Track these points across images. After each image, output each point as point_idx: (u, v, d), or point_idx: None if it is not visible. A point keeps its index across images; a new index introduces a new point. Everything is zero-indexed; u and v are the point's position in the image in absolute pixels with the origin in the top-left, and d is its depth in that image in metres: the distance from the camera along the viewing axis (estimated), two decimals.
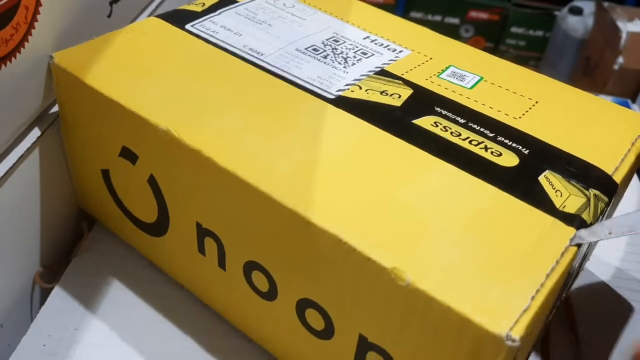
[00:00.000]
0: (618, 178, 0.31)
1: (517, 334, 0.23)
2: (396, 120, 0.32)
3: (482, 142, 0.31)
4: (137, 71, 0.35)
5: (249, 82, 0.35)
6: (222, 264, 0.33)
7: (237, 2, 0.43)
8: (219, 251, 0.33)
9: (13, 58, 0.33)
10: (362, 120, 0.32)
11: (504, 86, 0.36)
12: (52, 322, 0.37)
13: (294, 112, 0.33)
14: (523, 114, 0.34)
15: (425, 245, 0.26)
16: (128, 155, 0.34)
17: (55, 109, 0.39)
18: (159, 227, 0.36)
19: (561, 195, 0.29)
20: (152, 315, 0.37)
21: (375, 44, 0.39)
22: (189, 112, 0.32)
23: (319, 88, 0.34)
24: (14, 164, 0.35)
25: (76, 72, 0.35)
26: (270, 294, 0.31)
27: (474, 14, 1.45)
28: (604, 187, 0.30)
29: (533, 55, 1.49)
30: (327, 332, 0.30)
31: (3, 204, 0.35)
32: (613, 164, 0.31)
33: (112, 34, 0.38)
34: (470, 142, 0.31)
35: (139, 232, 0.38)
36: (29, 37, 0.34)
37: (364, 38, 0.39)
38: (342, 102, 0.33)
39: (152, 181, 0.34)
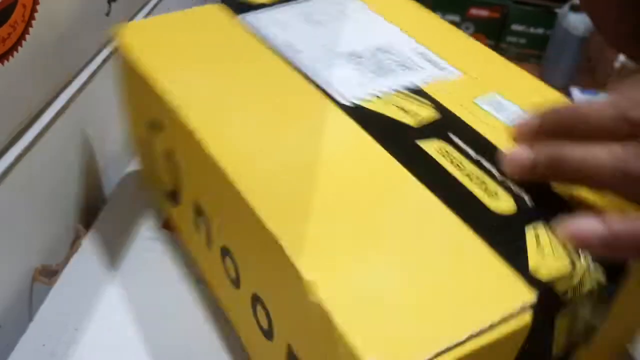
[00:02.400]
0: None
1: None
2: (400, 139, 0.31)
3: (484, 180, 0.29)
4: (175, 51, 0.37)
5: (272, 77, 0.35)
6: (208, 243, 0.34)
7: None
8: (206, 230, 0.34)
9: (10, 56, 0.33)
10: (364, 133, 0.31)
11: None
12: (51, 322, 0.37)
13: (300, 113, 0.33)
14: None
15: (360, 269, 0.24)
16: (154, 126, 0.37)
17: (54, 108, 0.39)
18: (175, 197, 0.38)
19: (542, 256, 0.25)
20: (152, 315, 0.37)
21: (424, 58, 0.37)
22: (202, 97, 0.33)
23: (338, 93, 0.34)
24: (12, 163, 0.35)
25: (126, 42, 0.38)
26: (236, 282, 0.32)
27: (474, 11, 1.45)
28: (603, 262, 0.25)
29: (534, 53, 1.49)
30: (269, 333, 0.29)
31: (2, 203, 0.35)
32: None
33: (174, 13, 0.41)
34: (469, 177, 0.29)
35: (165, 197, 0.40)
36: (27, 35, 0.34)
37: (416, 52, 0.38)
38: (354, 111, 0.32)
39: (169, 154, 0.36)
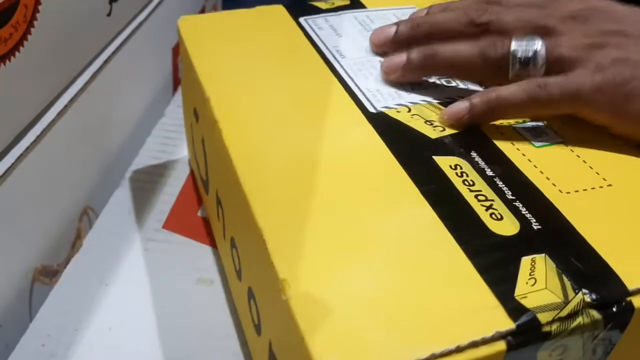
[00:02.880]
0: (639, 303, 0.24)
1: None
2: (415, 151, 0.31)
3: (492, 201, 0.28)
4: (226, 46, 0.39)
5: (308, 78, 0.36)
6: (223, 233, 0.36)
7: (367, 8, 0.44)
8: (223, 221, 0.35)
9: (12, 57, 0.33)
10: (381, 142, 0.31)
11: (584, 157, 0.31)
12: (51, 322, 0.37)
13: (323, 117, 0.33)
14: (576, 191, 0.29)
15: (339, 274, 0.24)
16: (195, 114, 0.39)
17: (56, 109, 0.39)
18: (207, 185, 0.40)
19: (533, 285, 0.24)
20: (152, 315, 0.37)
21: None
22: (235, 90, 0.35)
23: (367, 100, 0.34)
24: (13, 163, 0.35)
25: (183, 33, 0.40)
26: (239, 274, 0.33)
27: None
28: (606, 303, 0.24)
29: None
30: (259, 328, 0.30)
31: (2, 203, 0.35)
32: None
33: (237, 11, 0.43)
34: (477, 196, 0.28)
35: (202, 185, 0.42)
36: (29, 36, 0.34)
37: None
38: (378, 119, 0.33)
39: (203, 143, 0.38)
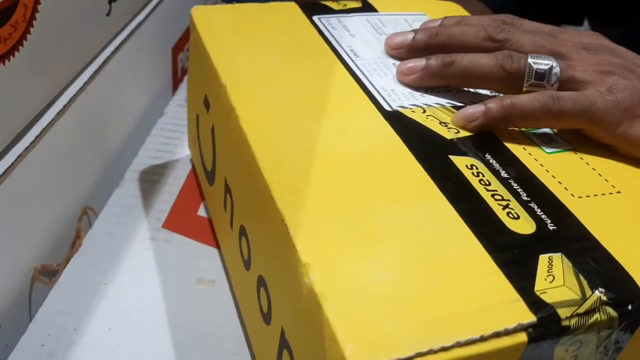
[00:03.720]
0: None
1: None
2: (432, 149, 0.31)
3: (508, 201, 0.28)
4: (240, 38, 0.39)
5: (323, 74, 0.36)
6: (231, 223, 0.35)
7: (378, 12, 0.44)
8: (231, 209, 0.35)
9: (11, 56, 0.33)
10: (398, 139, 0.31)
11: (593, 164, 0.32)
12: (50, 322, 0.37)
13: (340, 111, 0.33)
14: (588, 196, 0.29)
15: (361, 262, 0.25)
16: (206, 103, 0.39)
17: (55, 108, 0.39)
18: (212, 176, 0.40)
19: (551, 282, 0.24)
20: (151, 315, 0.37)
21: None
22: (251, 81, 0.35)
23: (383, 99, 0.34)
24: (12, 163, 0.35)
25: (197, 23, 0.40)
26: (247, 263, 0.33)
27: None
28: (622, 302, 0.24)
29: None
30: (269, 317, 0.30)
31: (2, 203, 0.35)
32: None
33: (250, 5, 0.43)
34: (493, 195, 0.28)
35: (204, 177, 0.42)
36: (28, 35, 0.34)
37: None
38: (393, 117, 0.33)
39: (212, 132, 0.38)
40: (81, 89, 0.43)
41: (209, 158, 0.40)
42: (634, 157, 0.33)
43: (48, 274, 0.41)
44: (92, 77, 0.44)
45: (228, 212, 0.36)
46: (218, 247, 0.42)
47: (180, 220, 0.44)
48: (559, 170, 0.31)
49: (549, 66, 0.33)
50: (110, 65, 0.47)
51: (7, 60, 0.33)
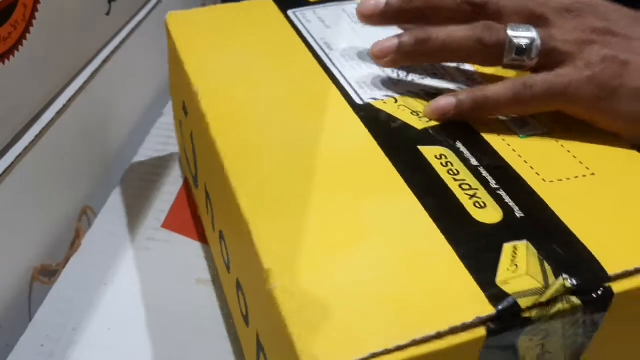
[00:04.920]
0: (618, 288, 0.24)
1: None
2: (401, 142, 0.31)
3: (475, 190, 0.28)
4: (214, 40, 0.39)
5: (296, 71, 0.36)
6: (212, 227, 0.36)
7: (355, 0, 0.44)
8: (212, 214, 0.36)
9: (11, 56, 0.33)
10: (368, 134, 0.31)
11: (568, 147, 0.31)
12: (50, 322, 0.37)
13: (311, 109, 0.33)
14: (560, 180, 0.29)
15: (322, 264, 0.25)
16: (184, 109, 0.39)
17: (55, 108, 0.39)
18: (196, 180, 0.40)
19: (514, 271, 0.24)
20: (151, 315, 0.37)
21: (457, 69, 0.37)
22: (223, 84, 0.35)
23: (355, 92, 0.34)
24: (12, 162, 0.35)
25: (171, 29, 0.40)
26: (228, 266, 0.33)
27: None
28: (585, 287, 0.24)
29: None
30: (247, 319, 0.30)
31: (1, 203, 0.35)
32: (624, 269, 0.24)
33: (225, 5, 0.43)
34: (461, 185, 0.28)
35: (191, 180, 0.43)
36: (27, 35, 0.34)
37: (455, 66, 0.38)
38: (365, 110, 0.33)
39: (192, 138, 0.38)
40: (81, 89, 0.43)
41: (192, 163, 0.40)
42: (614, 133, 0.32)
43: (48, 274, 0.41)
44: (91, 77, 0.44)
45: (210, 216, 0.37)
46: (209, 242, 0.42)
47: (179, 220, 0.44)
48: (532, 155, 0.30)
49: (530, 40, 0.31)
50: (110, 64, 0.47)
51: (6, 60, 0.33)
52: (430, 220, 0.27)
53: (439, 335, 0.22)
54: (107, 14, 0.44)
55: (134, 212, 0.44)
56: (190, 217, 0.44)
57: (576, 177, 0.29)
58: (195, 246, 0.42)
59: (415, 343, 0.22)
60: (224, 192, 0.30)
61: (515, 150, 0.31)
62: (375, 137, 0.31)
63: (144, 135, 0.52)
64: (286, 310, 0.23)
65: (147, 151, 0.51)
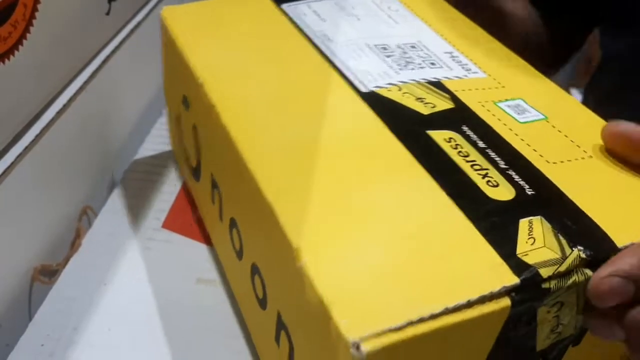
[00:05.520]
0: None
1: (368, 345, 0.21)
2: (410, 126, 0.32)
3: (487, 170, 0.29)
4: (212, 33, 0.39)
5: (298, 61, 0.37)
6: (220, 216, 0.36)
7: None
8: (219, 202, 0.36)
9: (11, 55, 0.33)
10: (375, 116, 0.32)
11: (565, 132, 0.32)
12: (50, 322, 0.37)
13: (318, 97, 0.34)
14: (562, 162, 0.30)
15: (348, 241, 0.25)
16: (185, 102, 0.39)
17: (55, 108, 0.39)
18: (198, 172, 0.40)
19: (532, 244, 0.25)
20: (151, 315, 0.37)
21: (453, 59, 0.38)
22: (227, 75, 0.35)
23: (359, 81, 0.35)
24: (12, 162, 0.35)
25: (168, 24, 0.40)
26: (240, 253, 0.33)
27: None
28: (598, 259, 0.25)
29: None
30: (264, 302, 0.30)
31: (1, 203, 0.35)
32: (630, 241, 0.26)
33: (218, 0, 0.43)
34: (472, 166, 0.29)
35: (190, 174, 0.43)
36: (28, 34, 0.34)
37: (445, 52, 0.39)
38: (370, 98, 0.34)
39: (194, 130, 0.39)
40: (81, 88, 0.43)
41: (193, 156, 0.40)
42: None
43: (48, 273, 0.41)
44: (91, 77, 0.44)
45: (216, 206, 0.37)
46: (210, 242, 0.42)
47: (179, 220, 0.44)
48: (533, 138, 0.32)
49: None
50: (110, 64, 0.47)
51: (6, 60, 0.33)
52: (448, 198, 0.28)
53: (469, 304, 0.23)
54: (107, 14, 0.44)
55: (134, 212, 0.44)
56: (190, 217, 0.44)
57: (576, 159, 0.31)
58: (196, 246, 0.42)
59: (449, 311, 0.22)
60: (238, 178, 0.31)
61: (517, 134, 0.32)
62: (385, 122, 0.32)
63: (144, 135, 0.52)
64: (319, 285, 0.23)
65: (147, 151, 0.51)
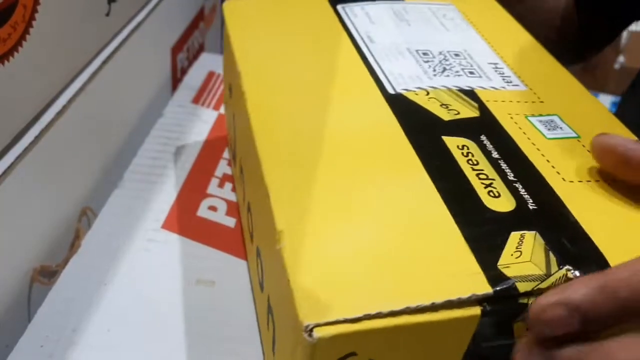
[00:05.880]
0: None
1: (320, 332, 0.21)
2: (425, 129, 0.32)
3: (492, 180, 0.29)
4: (265, 28, 0.41)
5: (335, 60, 0.38)
6: (243, 199, 0.38)
7: (404, 1, 0.45)
8: (243, 188, 0.38)
9: (11, 57, 0.33)
10: (393, 118, 0.33)
11: None
12: (49, 323, 0.37)
13: (344, 94, 0.35)
14: (580, 181, 0.29)
15: (334, 232, 0.26)
16: (230, 91, 0.42)
17: (55, 109, 0.39)
18: (235, 159, 0.43)
19: (517, 257, 0.24)
20: (151, 316, 0.37)
21: (496, 70, 0.38)
22: (269, 68, 0.37)
23: (389, 82, 0.36)
24: (12, 163, 0.35)
25: (227, 16, 0.42)
26: (252, 236, 0.35)
27: None
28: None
29: None
30: (262, 285, 0.31)
31: (1, 203, 0.35)
32: None
33: None
34: (478, 174, 0.29)
35: (232, 158, 0.45)
36: (27, 36, 0.34)
37: (490, 63, 0.38)
38: (395, 99, 0.34)
39: (233, 118, 0.41)
40: (80, 90, 0.43)
41: (233, 142, 0.43)
42: None
43: (47, 274, 0.41)
44: (91, 78, 0.44)
45: (242, 190, 0.39)
46: (218, 248, 0.42)
47: (179, 221, 0.44)
48: (555, 155, 0.31)
49: None
50: (110, 65, 0.47)
51: (6, 61, 0.33)
52: (441, 201, 0.28)
53: (433, 307, 0.23)
54: (107, 14, 0.44)
55: (134, 213, 0.44)
56: (190, 218, 0.44)
57: (597, 181, 0.30)
58: (196, 247, 0.42)
59: (409, 311, 0.22)
60: (253, 162, 0.32)
61: (540, 149, 0.31)
62: (401, 122, 0.32)
63: (144, 136, 0.52)
64: (290, 268, 0.24)
65: (147, 152, 0.51)
